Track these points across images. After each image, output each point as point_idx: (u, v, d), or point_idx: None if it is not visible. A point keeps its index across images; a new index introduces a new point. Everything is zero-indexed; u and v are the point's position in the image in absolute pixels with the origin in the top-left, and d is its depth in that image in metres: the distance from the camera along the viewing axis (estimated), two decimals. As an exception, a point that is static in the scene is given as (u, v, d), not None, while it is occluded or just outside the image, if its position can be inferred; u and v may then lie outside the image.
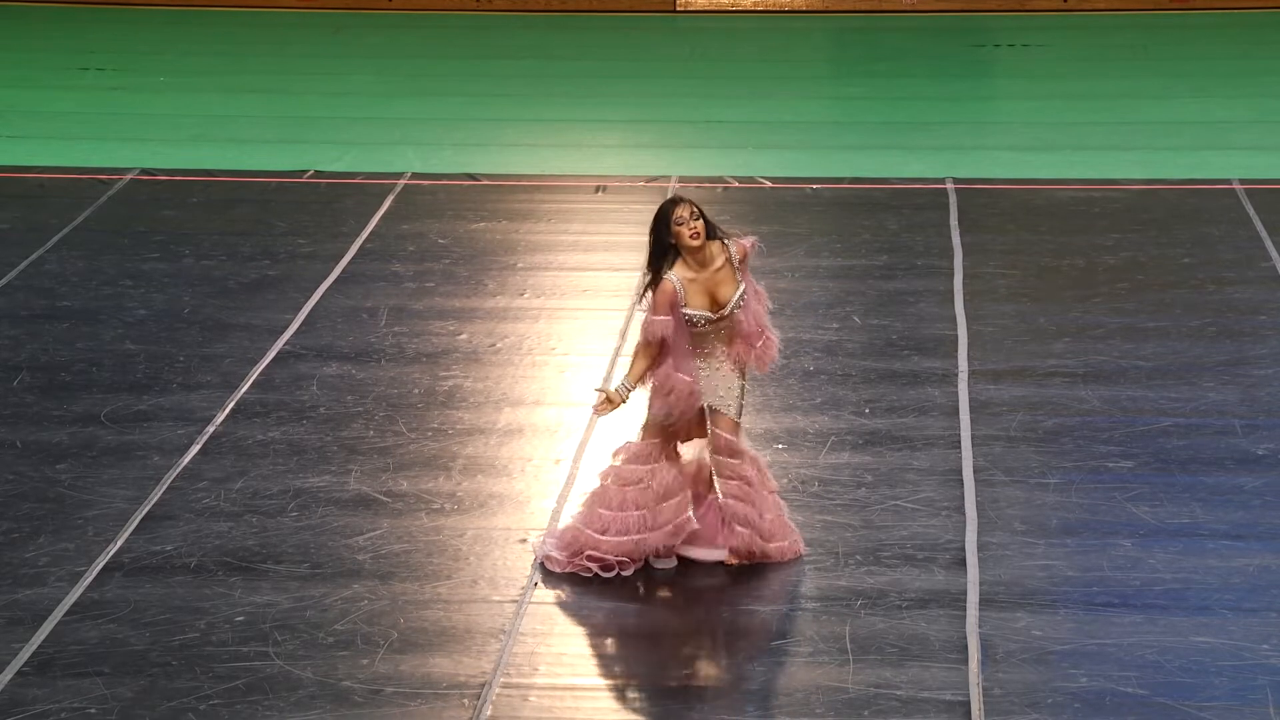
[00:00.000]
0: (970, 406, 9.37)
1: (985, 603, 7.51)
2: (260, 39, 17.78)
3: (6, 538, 8.04)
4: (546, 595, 7.61)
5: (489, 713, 6.83)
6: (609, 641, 7.38)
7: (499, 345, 10.26)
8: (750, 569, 7.75)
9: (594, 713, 6.90)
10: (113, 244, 11.81)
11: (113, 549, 7.94)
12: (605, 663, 7.23)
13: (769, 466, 7.92)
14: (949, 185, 13.05)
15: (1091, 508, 8.32)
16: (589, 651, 7.30)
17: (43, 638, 7.24)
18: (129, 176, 13.15)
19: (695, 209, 7.56)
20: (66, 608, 7.46)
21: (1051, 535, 8.08)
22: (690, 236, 7.53)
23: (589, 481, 8.60)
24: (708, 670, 7.14)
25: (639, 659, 7.26)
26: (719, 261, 7.62)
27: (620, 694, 7.01)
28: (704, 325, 7.62)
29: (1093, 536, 8.06)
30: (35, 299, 10.87)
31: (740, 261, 7.65)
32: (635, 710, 6.92)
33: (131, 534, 8.07)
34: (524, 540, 7.98)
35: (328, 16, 18.52)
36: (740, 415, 7.75)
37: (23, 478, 8.58)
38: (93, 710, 6.79)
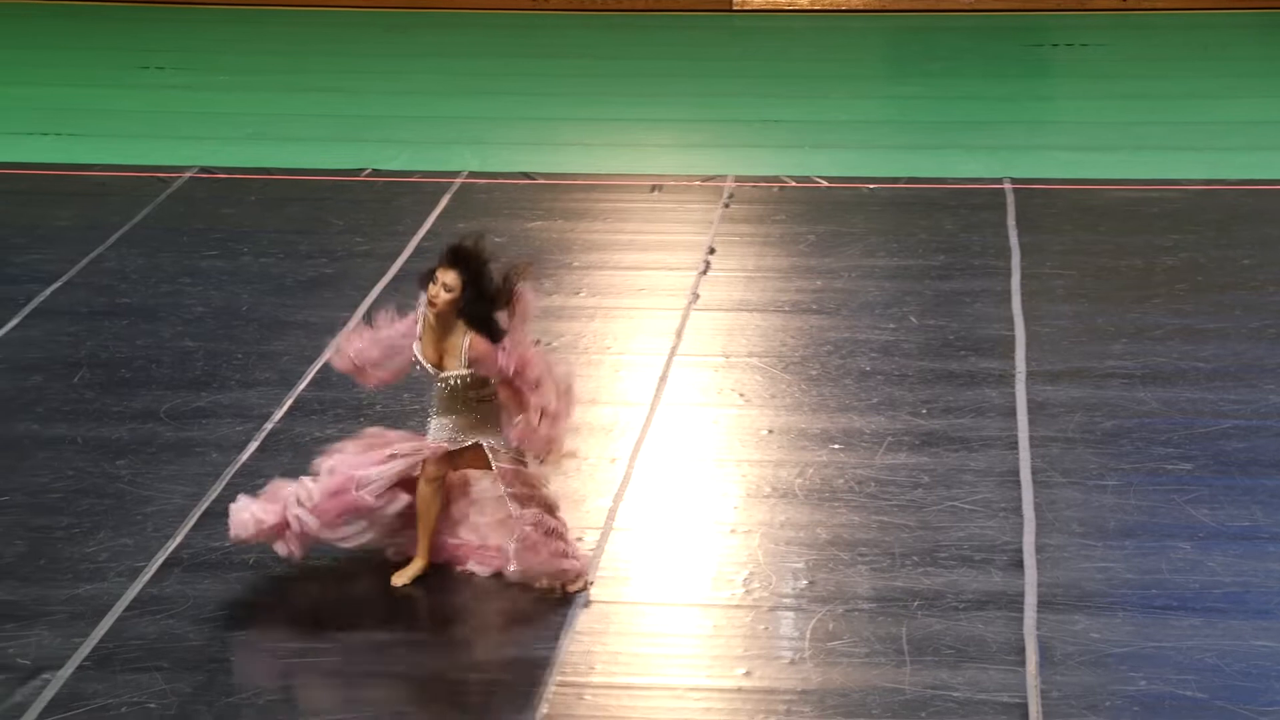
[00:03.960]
0: (1028, 407, 9.34)
1: (1043, 605, 7.48)
2: (318, 37, 17.84)
3: (67, 533, 8.09)
4: (602, 594, 7.62)
5: (544, 711, 6.84)
6: (664, 641, 7.38)
7: (554, 344, 10.27)
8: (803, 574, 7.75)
9: (649, 712, 6.90)
10: (172, 241, 11.87)
11: (172, 545, 7.98)
12: (660, 662, 7.23)
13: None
14: (1006, 185, 13.00)
15: (1150, 510, 8.29)
16: (645, 650, 7.30)
17: (103, 632, 7.29)
18: (188, 175, 13.22)
19: (454, 272, 7.26)
20: (126, 603, 7.51)
21: (1109, 537, 8.04)
22: (429, 300, 7.32)
23: (645, 480, 8.62)
24: (763, 671, 7.13)
25: (694, 659, 7.26)
26: (452, 344, 7.42)
27: (675, 694, 7.01)
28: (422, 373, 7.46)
29: (1151, 539, 8.03)
30: (95, 296, 10.94)
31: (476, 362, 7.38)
32: (690, 710, 6.92)
33: (190, 530, 8.11)
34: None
35: (385, 15, 18.58)
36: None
37: (83, 473, 8.64)
38: (152, 705, 6.83)
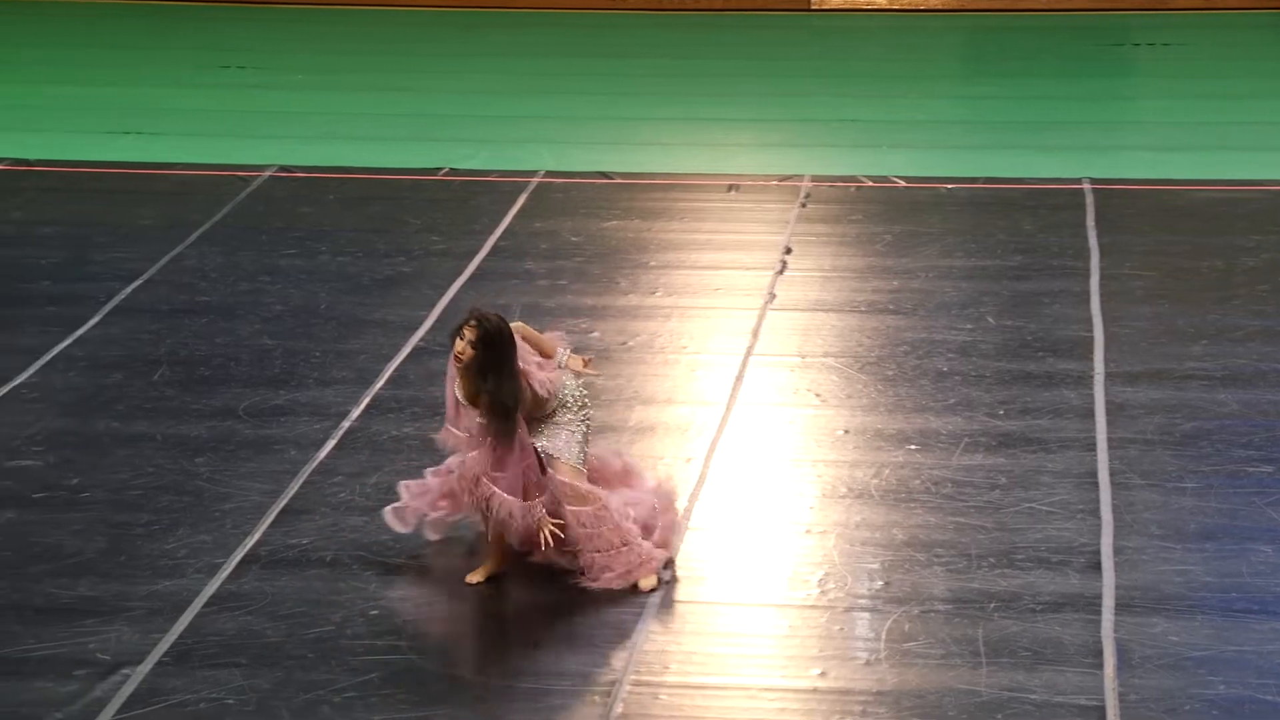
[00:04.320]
0: (1106, 409, 9.28)
1: (1121, 607, 7.43)
2: (396, 36, 17.91)
3: (147, 530, 8.15)
4: (678, 594, 7.62)
5: (619, 710, 6.85)
6: (739, 641, 7.38)
7: (630, 343, 10.27)
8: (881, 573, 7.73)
9: (723, 712, 6.90)
10: (251, 240, 11.94)
11: (250, 542, 8.03)
12: (735, 662, 7.23)
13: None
14: (1085, 185, 12.93)
15: (1230, 512, 8.22)
16: (720, 650, 7.29)
17: (181, 628, 7.34)
18: (267, 174, 13.30)
19: (477, 333, 7.44)
20: (205, 599, 7.56)
21: (1189, 540, 7.98)
22: (455, 356, 7.50)
23: (720, 480, 8.61)
24: (838, 671, 7.12)
25: (769, 659, 7.25)
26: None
27: (750, 694, 7.00)
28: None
29: (1231, 541, 7.96)
30: (175, 294, 11.02)
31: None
32: (765, 710, 6.91)
33: (268, 527, 8.16)
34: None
35: (462, 15, 18.63)
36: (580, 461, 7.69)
37: (162, 470, 8.70)
38: (230, 700, 6.88)
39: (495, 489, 7.55)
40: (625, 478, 7.96)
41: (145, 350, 10.14)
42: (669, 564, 7.75)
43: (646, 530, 7.78)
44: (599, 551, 7.63)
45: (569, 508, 7.63)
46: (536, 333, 7.83)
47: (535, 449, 7.66)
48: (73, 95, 15.57)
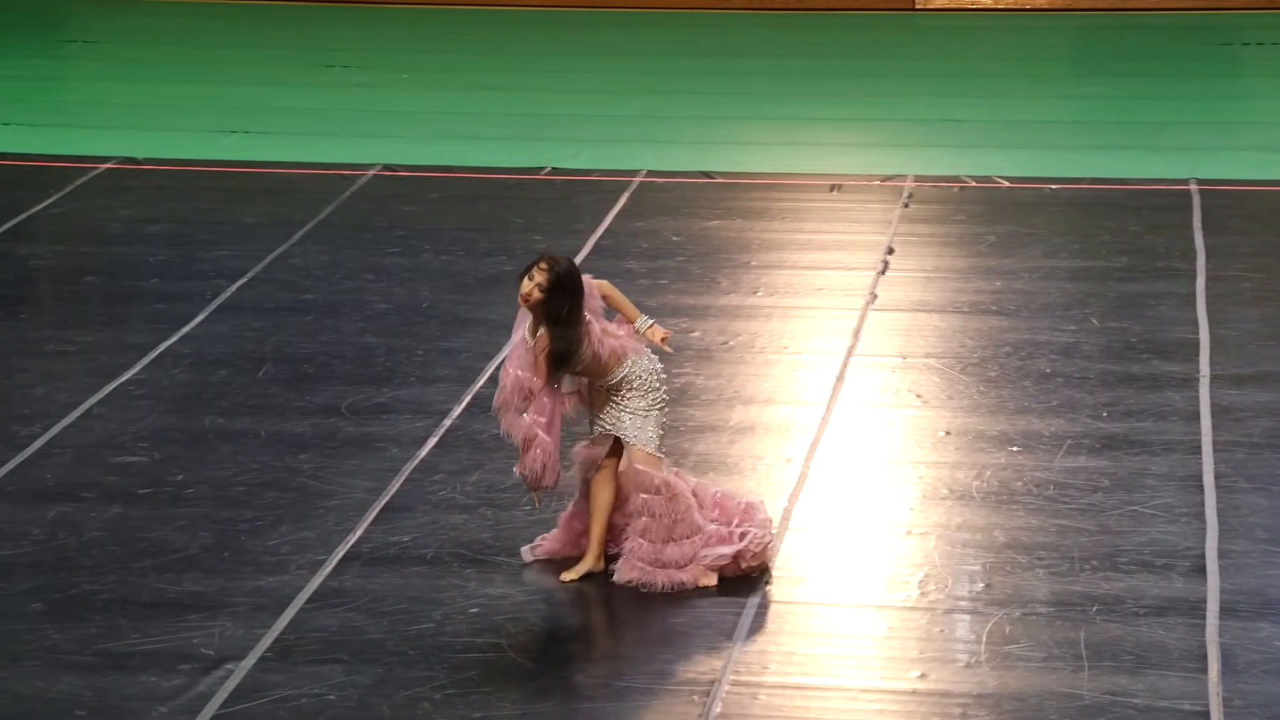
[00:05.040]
0: (1211, 411, 9.19)
1: (1226, 612, 7.36)
2: (499, 36, 17.98)
3: (251, 526, 8.22)
4: (777, 594, 7.61)
5: (718, 710, 6.84)
6: (838, 642, 7.36)
7: (731, 343, 10.27)
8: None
9: (823, 713, 6.88)
10: (355, 239, 12.02)
11: (352, 539, 8.09)
12: (835, 663, 7.21)
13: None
14: (1192, 186, 12.80)
15: (1338, 517, 8.12)
16: (819, 651, 7.28)
17: (284, 624, 7.40)
18: (371, 173, 13.38)
19: (547, 277, 7.40)
20: (307, 596, 7.62)
21: (1295, 545, 7.90)
22: (522, 296, 7.47)
23: (820, 480, 8.59)
24: (938, 674, 7.08)
25: (869, 660, 7.23)
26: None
27: (849, 695, 6.98)
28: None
29: (1338, 547, 7.87)
30: (280, 292, 11.11)
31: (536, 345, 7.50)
32: (864, 712, 6.88)
33: (370, 524, 8.21)
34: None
35: (564, 14, 18.68)
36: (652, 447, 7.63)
37: (266, 467, 8.77)
38: (332, 696, 6.92)
39: (540, 433, 7.51)
40: (718, 506, 7.84)
41: (250, 348, 10.23)
42: (764, 571, 7.68)
43: (723, 537, 7.69)
44: (664, 542, 7.56)
45: (641, 495, 7.57)
46: (622, 296, 7.74)
47: (602, 429, 7.61)
48: (180, 94, 15.72)
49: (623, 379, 7.61)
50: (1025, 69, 16.60)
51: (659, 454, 7.64)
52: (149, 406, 9.45)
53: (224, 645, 7.25)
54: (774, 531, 7.81)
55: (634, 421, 7.60)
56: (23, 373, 9.87)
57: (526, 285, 7.47)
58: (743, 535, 7.61)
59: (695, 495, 7.70)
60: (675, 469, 7.77)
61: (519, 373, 7.55)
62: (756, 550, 7.63)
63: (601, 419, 7.65)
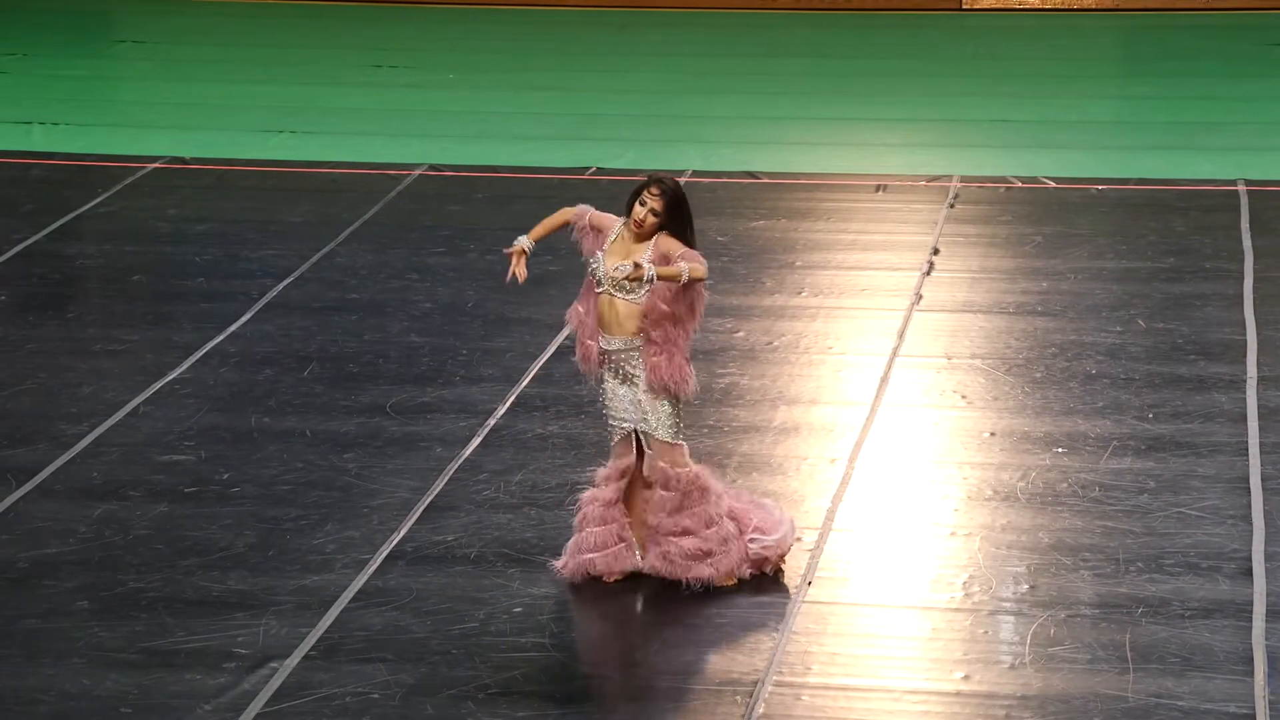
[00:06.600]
0: (1259, 413, 9.15)
1: (1272, 614, 7.33)
2: (545, 36, 18.00)
3: (296, 525, 8.25)
4: (821, 594, 7.61)
5: (761, 710, 6.84)
6: (882, 643, 7.35)
7: (776, 343, 10.26)
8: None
9: (866, 714, 6.87)
10: (401, 238, 12.06)
11: (396, 538, 8.11)
12: (878, 664, 7.20)
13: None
14: (1240, 187, 12.74)
15: (1385, 520, 8.08)
16: (862, 652, 7.27)
17: (329, 623, 7.43)
18: (417, 172, 13.42)
19: (662, 202, 7.31)
20: (352, 594, 7.64)
21: (1342, 547, 7.85)
22: (635, 223, 7.36)
23: (865, 481, 8.58)
24: (982, 675, 7.07)
25: (912, 661, 7.22)
26: (642, 249, 7.42)
27: (893, 696, 6.97)
28: (593, 274, 7.48)
29: (1386, 550, 7.82)
30: (326, 291, 11.14)
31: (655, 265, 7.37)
32: (908, 713, 6.88)
33: (414, 524, 8.23)
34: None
35: (611, 14, 18.69)
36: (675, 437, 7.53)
37: (312, 466, 8.81)
38: (376, 695, 6.95)
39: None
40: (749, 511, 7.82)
41: (296, 347, 10.27)
42: (779, 572, 7.67)
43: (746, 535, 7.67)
44: (686, 532, 7.49)
45: (661, 463, 7.47)
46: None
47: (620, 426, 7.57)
48: (227, 94, 15.79)
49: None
50: (1072, 69, 16.55)
51: (677, 440, 7.58)
52: (195, 405, 9.50)
53: (268, 644, 7.28)
54: (793, 540, 7.78)
55: (658, 410, 7.51)
56: (70, 371, 9.93)
57: (639, 211, 7.40)
58: (750, 542, 7.62)
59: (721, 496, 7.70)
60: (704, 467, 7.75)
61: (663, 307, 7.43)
62: (755, 560, 7.64)
63: (632, 415, 7.57)
